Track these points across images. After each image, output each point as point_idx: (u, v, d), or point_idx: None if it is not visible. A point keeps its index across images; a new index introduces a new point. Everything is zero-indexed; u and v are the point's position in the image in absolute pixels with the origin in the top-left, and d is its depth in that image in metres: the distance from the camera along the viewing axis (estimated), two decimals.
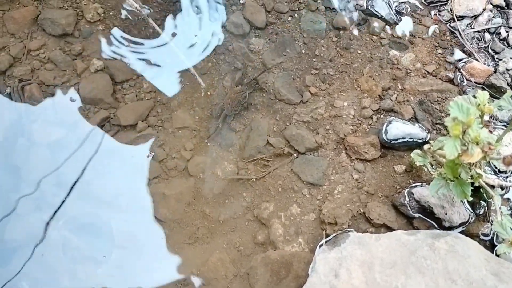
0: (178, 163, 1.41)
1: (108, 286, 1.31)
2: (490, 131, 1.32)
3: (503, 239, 1.02)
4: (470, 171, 1.08)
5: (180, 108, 1.46)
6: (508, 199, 1.31)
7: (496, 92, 1.40)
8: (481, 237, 1.25)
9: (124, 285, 1.31)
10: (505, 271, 1.08)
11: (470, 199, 1.10)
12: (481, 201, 1.29)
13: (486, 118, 1.34)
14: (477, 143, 0.90)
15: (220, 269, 1.30)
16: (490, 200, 1.28)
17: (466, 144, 0.89)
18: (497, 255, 1.17)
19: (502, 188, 1.29)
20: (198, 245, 1.34)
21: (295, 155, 1.38)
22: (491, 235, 1.25)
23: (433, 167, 1.31)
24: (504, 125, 1.38)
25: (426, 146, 1.17)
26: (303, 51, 1.48)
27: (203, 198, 1.37)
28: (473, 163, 1.07)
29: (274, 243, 1.30)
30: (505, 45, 1.48)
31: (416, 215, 1.26)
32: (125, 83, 1.48)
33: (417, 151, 1.19)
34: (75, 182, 1.40)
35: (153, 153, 1.40)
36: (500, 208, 1.08)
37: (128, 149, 1.42)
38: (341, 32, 1.49)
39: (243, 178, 1.38)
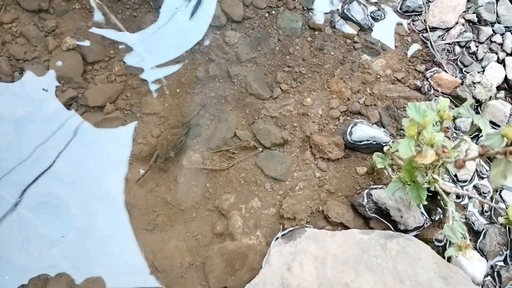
0: (143, 149, 1.40)
1: (62, 266, 1.29)
2: (449, 138, 1.35)
3: (452, 243, 1.05)
4: (427, 176, 1.11)
5: (150, 94, 1.45)
6: (464, 207, 1.34)
7: (461, 103, 1.43)
8: (435, 242, 1.28)
9: (79, 267, 1.29)
10: (453, 276, 1.10)
11: (425, 203, 1.13)
12: (437, 208, 1.31)
13: (447, 125, 1.38)
14: (432, 146, 0.93)
15: (176, 256, 1.29)
16: (446, 207, 1.31)
17: (421, 145, 0.92)
18: (448, 260, 1.20)
19: (458, 197, 1.33)
20: (157, 232, 1.33)
21: (260, 149, 1.39)
22: (444, 241, 1.28)
23: (394, 171, 1.34)
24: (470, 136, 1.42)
25: (385, 148, 1.19)
26: (277, 48, 1.49)
27: (166, 186, 1.37)
28: (429, 168, 1.10)
29: (232, 235, 1.30)
30: (473, 59, 1.52)
31: (373, 216, 1.29)
32: (97, 64, 1.47)
33: (378, 153, 1.21)
34: (38, 160, 1.38)
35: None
36: (452, 213, 1.11)
37: (94, 131, 1.41)
38: (316, 32, 1.51)
39: (207, 168, 1.38)
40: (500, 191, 1.37)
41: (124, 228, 1.33)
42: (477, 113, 1.46)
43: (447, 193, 1.19)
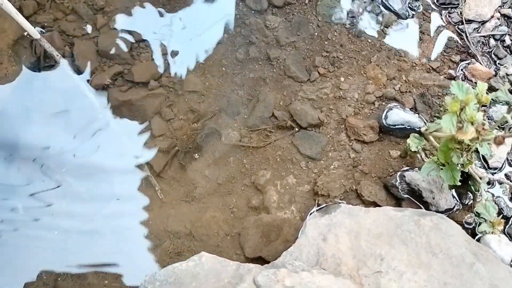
0: (183, 125, 1.46)
1: (106, 230, 1.37)
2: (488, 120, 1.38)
3: (485, 220, 1.08)
4: (462, 157, 1.15)
5: (192, 73, 1.51)
6: (493, 194, 1.37)
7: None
8: (465, 225, 1.31)
9: (120, 231, 1.36)
10: (483, 253, 1.14)
11: (459, 183, 1.17)
12: (468, 192, 1.35)
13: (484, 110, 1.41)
14: (472, 123, 0.97)
15: (213, 227, 1.35)
16: (476, 193, 1.34)
17: (462, 122, 0.96)
18: (478, 240, 1.23)
19: (488, 183, 1.36)
20: (195, 203, 1.39)
21: (297, 129, 1.44)
22: (474, 224, 1.31)
23: (427, 155, 1.38)
24: (497, 127, 1.45)
25: (423, 128, 1.23)
26: (316, 34, 1.54)
27: (204, 160, 1.43)
28: (465, 149, 1.14)
29: (268, 209, 1.36)
30: (508, 52, 1.55)
31: (406, 196, 1.33)
32: (142, 42, 1.53)
33: (415, 134, 1.25)
34: (83, 130, 1.45)
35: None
36: (486, 192, 1.15)
37: (138, 106, 1.48)
38: (354, 20, 1.56)
39: (244, 145, 1.44)
40: None
41: (163, 198, 1.39)
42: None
43: (480, 177, 1.23)
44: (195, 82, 1.50)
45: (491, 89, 1.47)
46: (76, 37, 1.53)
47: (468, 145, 1.11)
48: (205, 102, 1.49)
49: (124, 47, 1.52)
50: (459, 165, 1.17)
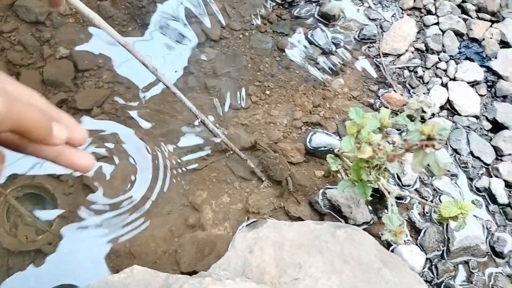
0: (126, 149, 1.56)
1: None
2: (389, 143, 1.55)
3: (389, 230, 1.23)
4: (370, 174, 1.30)
5: (134, 100, 1.62)
6: (407, 208, 1.53)
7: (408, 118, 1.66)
8: (381, 237, 1.46)
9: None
10: (392, 261, 1.28)
11: (370, 198, 1.31)
12: (384, 208, 1.50)
13: (387, 132, 1.58)
14: (370, 144, 1.12)
15: (151, 245, 1.44)
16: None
17: (360, 142, 1.11)
18: (392, 251, 1.38)
19: (401, 198, 1.52)
20: (135, 222, 1.48)
21: (231, 152, 1.56)
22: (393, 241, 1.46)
23: (347, 174, 1.53)
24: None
25: (336, 150, 1.38)
26: (250, 65, 1.69)
27: (145, 183, 1.52)
28: (373, 168, 1.30)
29: (203, 226, 1.46)
30: (420, 82, 1.75)
31: (327, 211, 1.47)
32: (87, 72, 1.63)
33: (331, 155, 1.40)
34: None
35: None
36: (392, 206, 1.30)
37: None
38: (283, 53, 1.72)
39: (183, 168, 1.54)
40: (440, 196, 1.57)
41: (106, 216, 1.47)
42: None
43: (389, 192, 1.39)
44: (137, 108, 1.61)
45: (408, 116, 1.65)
46: (23, 66, 1.61)
47: (377, 164, 1.27)
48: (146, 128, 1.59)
49: (68, 75, 1.61)
50: (369, 182, 1.32)
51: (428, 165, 0.98)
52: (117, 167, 1.52)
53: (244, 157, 1.48)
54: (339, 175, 1.52)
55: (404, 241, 1.46)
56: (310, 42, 1.74)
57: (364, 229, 1.44)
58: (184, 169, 1.53)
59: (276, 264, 1.24)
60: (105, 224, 1.45)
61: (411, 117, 1.33)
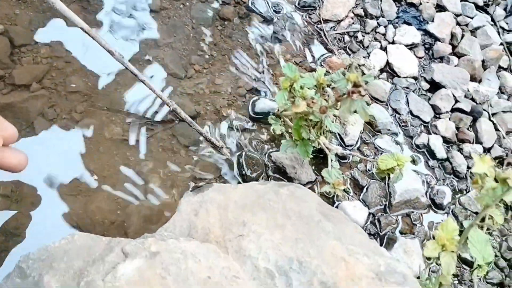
0: (67, 123, 1.53)
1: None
2: (326, 100, 1.59)
3: (328, 183, 1.27)
4: (310, 133, 1.34)
5: (74, 75, 1.59)
6: (351, 167, 1.58)
7: None
8: (325, 195, 1.50)
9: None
10: (333, 214, 1.33)
11: (311, 156, 1.35)
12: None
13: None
14: (304, 98, 1.15)
15: (98, 217, 1.43)
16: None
17: (294, 97, 1.14)
18: (336, 207, 1.43)
19: (344, 158, 1.57)
20: (81, 197, 1.46)
21: (177, 121, 1.56)
22: (332, 194, 1.51)
23: (290, 137, 1.56)
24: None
25: (276, 110, 1.41)
26: (191, 35, 1.69)
27: (89, 156, 1.51)
28: (313, 127, 1.33)
29: (151, 195, 1.46)
30: (360, 46, 1.80)
31: (273, 174, 1.50)
32: (24, 47, 1.59)
33: (272, 116, 1.43)
34: None
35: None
36: (332, 162, 1.34)
37: (20, 108, 1.53)
38: (225, 22, 1.73)
39: (127, 139, 1.53)
40: (381, 154, 1.62)
41: (50, 193, 1.44)
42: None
43: (330, 150, 1.43)
44: (78, 83, 1.58)
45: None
46: None
47: (316, 122, 1.31)
48: (88, 102, 1.57)
49: (4, 51, 1.56)
50: (310, 141, 1.35)
51: (355, 111, 1.02)
52: None
53: (197, 127, 1.48)
54: (283, 137, 1.55)
55: (348, 197, 1.51)
56: (251, 10, 1.75)
57: (309, 188, 1.48)
58: (128, 139, 1.52)
59: (221, 225, 1.26)
60: (51, 199, 1.43)
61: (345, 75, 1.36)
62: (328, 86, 1.21)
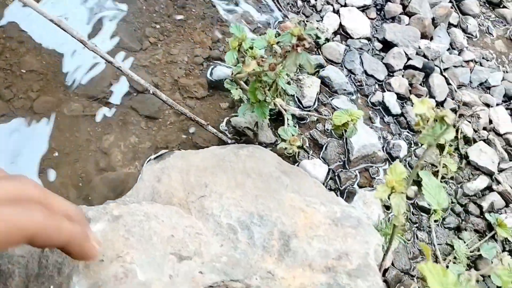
0: (25, 103, 1.52)
1: None
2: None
3: (284, 140, 1.31)
4: (266, 94, 1.37)
5: (28, 54, 1.58)
6: (310, 127, 1.63)
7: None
8: (286, 155, 1.54)
9: None
10: (292, 171, 1.37)
11: (268, 117, 1.39)
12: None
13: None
14: (254, 58, 1.18)
15: (62, 192, 1.44)
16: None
17: (244, 57, 1.16)
18: (297, 165, 1.48)
19: (302, 119, 1.61)
20: (43, 174, 1.47)
21: (134, 93, 1.57)
22: (293, 154, 1.55)
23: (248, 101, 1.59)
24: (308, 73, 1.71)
25: (229, 72, 1.44)
26: (144, 7, 1.69)
27: (49, 134, 1.51)
28: (268, 89, 1.36)
29: (114, 168, 1.48)
30: (313, 11, 1.83)
31: (233, 138, 1.53)
32: None
33: (228, 80, 1.45)
34: None
35: None
36: (288, 120, 1.38)
37: None
38: None
39: (87, 115, 1.54)
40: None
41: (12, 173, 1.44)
42: (317, 53, 1.77)
43: (286, 110, 1.47)
44: (32, 62, 1.57)
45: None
46: None
47: (271, 84, 1.34)
48: (44, 80, 1.56)
49: None
50: (266, 103, 1.39)
51: (301, 65, 1.05)
52: None
53: (180, 108, 1.49)
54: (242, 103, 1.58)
55: (308, 155, 1.56)
56: None
57: (270, 150, 1.52)
58: (88, 115, 1.53)
59: (184, 188, 1.29)
60: None
61: None
62: (277, 44, 1.25)
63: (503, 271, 0.89)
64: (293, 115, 1.54)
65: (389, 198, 1.08)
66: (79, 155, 1.50)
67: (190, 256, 1.09)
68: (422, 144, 1.62)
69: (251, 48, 1.18)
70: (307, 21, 1.79)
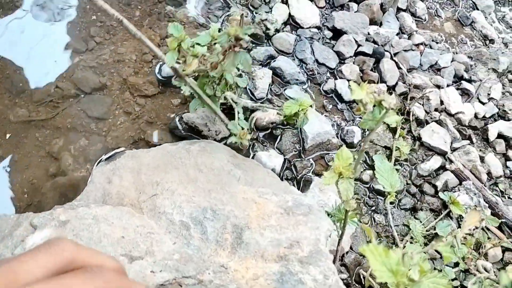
0: None
1: None
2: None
3: (235, 134, 1.31)
4: (215, 89, 1.36)
5: None
6: (261, 118, 1.62)
7: (254, 38, 1.73)
8: (240, 148, 1.54)
9: None
10: (245, 163, 1.37)
11: (219, 111, 1.38)
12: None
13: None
14: (196, 56, 1.17)
15: (14, 200, 1.40)
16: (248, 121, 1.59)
17: (185, 56, 1.15)
18: (253, 158, 1.48)
19: (253, 111, 1.61)
20: None
21: (82, 95, 1.54)
22: (246, 147, 1.55)
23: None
24: (262, 64, 1.71)
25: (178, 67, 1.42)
26: (88, 6, 1.65)
27: None
28: (216, 83, 1.36)
29: (64, 172, 1.44)
30: (262, 2, 1.82)
31: (187, 134, 1.52)
32: None
33: (175, 77, 1.43)
34: None
35: None
36: (238, 114, 1.37)
37: None
38: None
39: (34, 120, 1.50)
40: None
41: None
42: (267, 44, 1.77)
43: (236, 103, 1.46)
44: None
45: (251, 35, 1.73)
46: None
47: (219, 79, 1.34)
48: None
49: None
50: (217, 97, 1.38)
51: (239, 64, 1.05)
52: None
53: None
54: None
55: (263, 147, 1.56)
56: None
57: (224, 144, 1.52)
58: (35, 120, 1.49)
59: (135, 188, 1.27)
60: None
61: None
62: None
63: (443, 247, 0.92)
64: (246, 108, 1.54)
65: (337, 184, 1.09)
66: (29, 161, 1.46)
67: (142, 256, 1.08)
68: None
69: (193, 46, 1.17)
70: (256, 12, 1.79)
